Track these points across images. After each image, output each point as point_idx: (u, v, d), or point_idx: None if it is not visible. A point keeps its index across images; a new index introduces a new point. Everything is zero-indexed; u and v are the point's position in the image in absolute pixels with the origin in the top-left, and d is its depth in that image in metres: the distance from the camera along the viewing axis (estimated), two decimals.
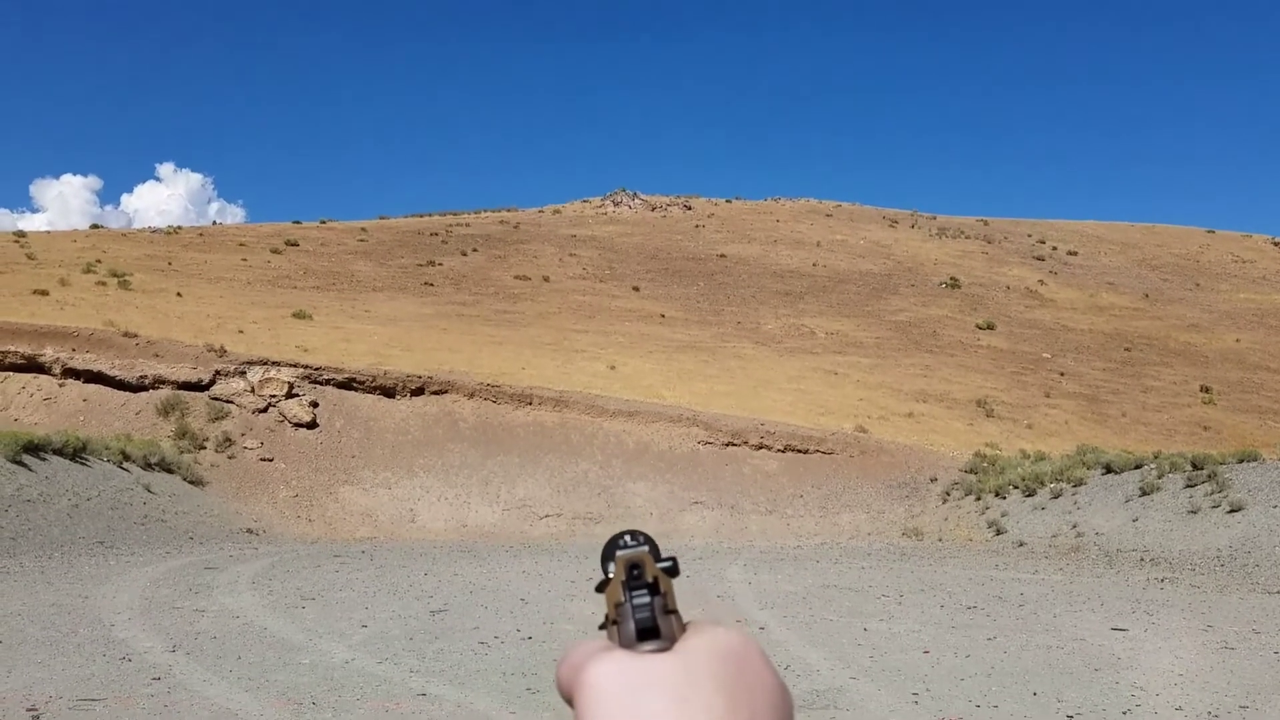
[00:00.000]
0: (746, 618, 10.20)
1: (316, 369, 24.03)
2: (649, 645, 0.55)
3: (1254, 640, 9.17)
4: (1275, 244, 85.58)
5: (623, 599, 0.57)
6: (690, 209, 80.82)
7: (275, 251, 50.39)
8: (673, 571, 0.60)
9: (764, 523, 22.16)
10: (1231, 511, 16.62)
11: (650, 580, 0.58)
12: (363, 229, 62.53)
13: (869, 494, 23.20)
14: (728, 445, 24.61)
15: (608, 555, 0.63)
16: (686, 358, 33.58)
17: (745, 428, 24.96)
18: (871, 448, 24.93)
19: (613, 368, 29.90)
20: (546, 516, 21.76)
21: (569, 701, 0.55)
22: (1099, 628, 9.97)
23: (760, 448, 24.62)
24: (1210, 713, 6.65)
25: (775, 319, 44.02)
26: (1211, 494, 17.56)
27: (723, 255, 59.82)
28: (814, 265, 58.36)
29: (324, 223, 66.22)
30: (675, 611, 0.58)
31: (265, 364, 23.69)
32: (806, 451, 24.62)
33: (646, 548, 0.61)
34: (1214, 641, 9.15)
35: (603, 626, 0.59)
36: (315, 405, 23.15)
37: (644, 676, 0.52)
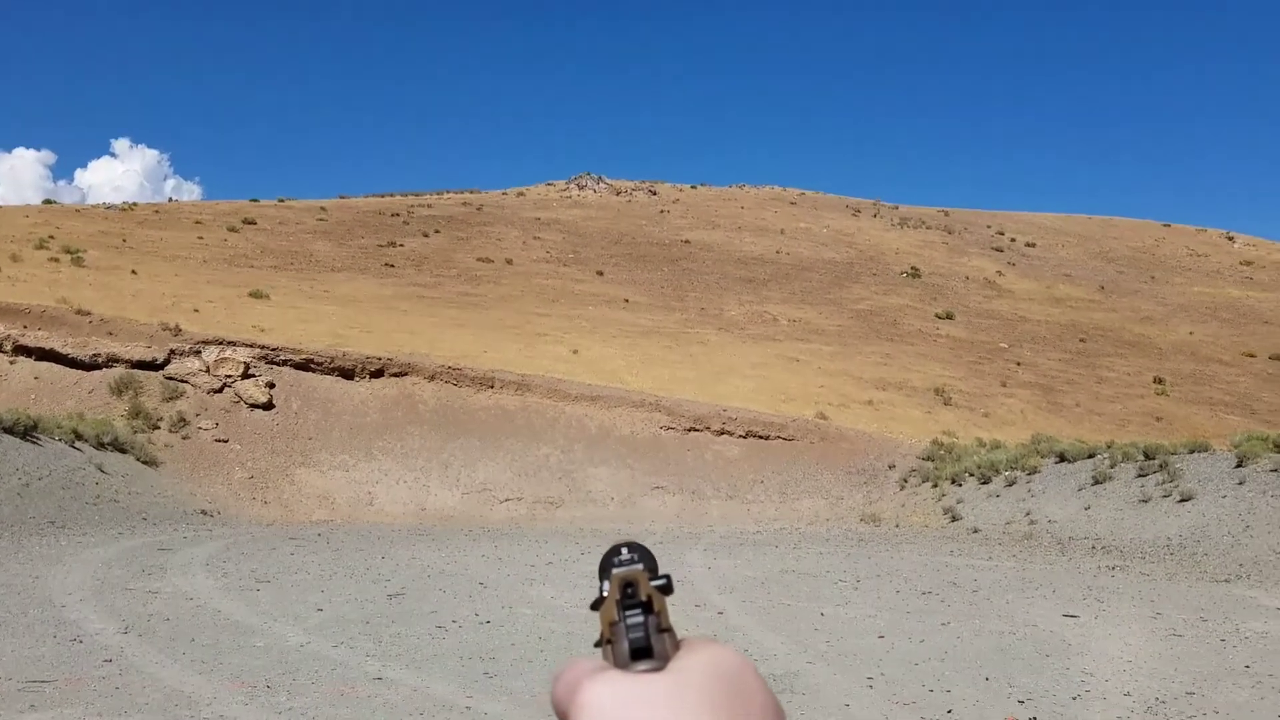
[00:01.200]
0: (706, 602, 10.24)
1: (273, 349, 23.72)
2: (643, 665, 0.55)
3: (1201, 628, 9.37)
4: (1229, 238, 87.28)
5: (617, 618, 0.57)
6: (655, 194, 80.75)
7: (232, 230, 49.63)
8: (666, 589, 0.60)
9: (725, 508, 22.27)
10: (1182, 501, 16.95)
11: (644, 599, 0.58)
12: (322, 208, 61.77)
13: (828, 480, 23.39)
14: (690, 431, 24.68)
15: (604, 571, 0.63)
16: (650, 343, 33.60)
17: (707, 413, 25.04)
18: (831, 434, 25.12)
19: (576, 352, 29.83)
20: (507, 500, 21.70)
21: (562, 718, 0.55)
22: (1050, 614, 10.13)
23: (722, 433, 24.72)
24: (1158, 698, 6.78)
25: (739, 306, 44.15)
26: (1162, 483, 17.89)
27: (687, 241, 59.86)
28: (778, 253, 58.59)
29: (282, 201, 65.33)
30: (669, 629, 0.58)
31: (221, 343, 23.34)
32: (768, 438, 24.75)
33: (641, 565, 0.61)
34: (1162, 629, 9.34)
35: (598, 645, 0.59)
36: (272, 386, 22.87)
37: (638, 697, 0.52)
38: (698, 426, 24.75)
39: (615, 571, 0.60)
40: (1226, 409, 35.82)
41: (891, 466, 23.78)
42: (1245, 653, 8.18)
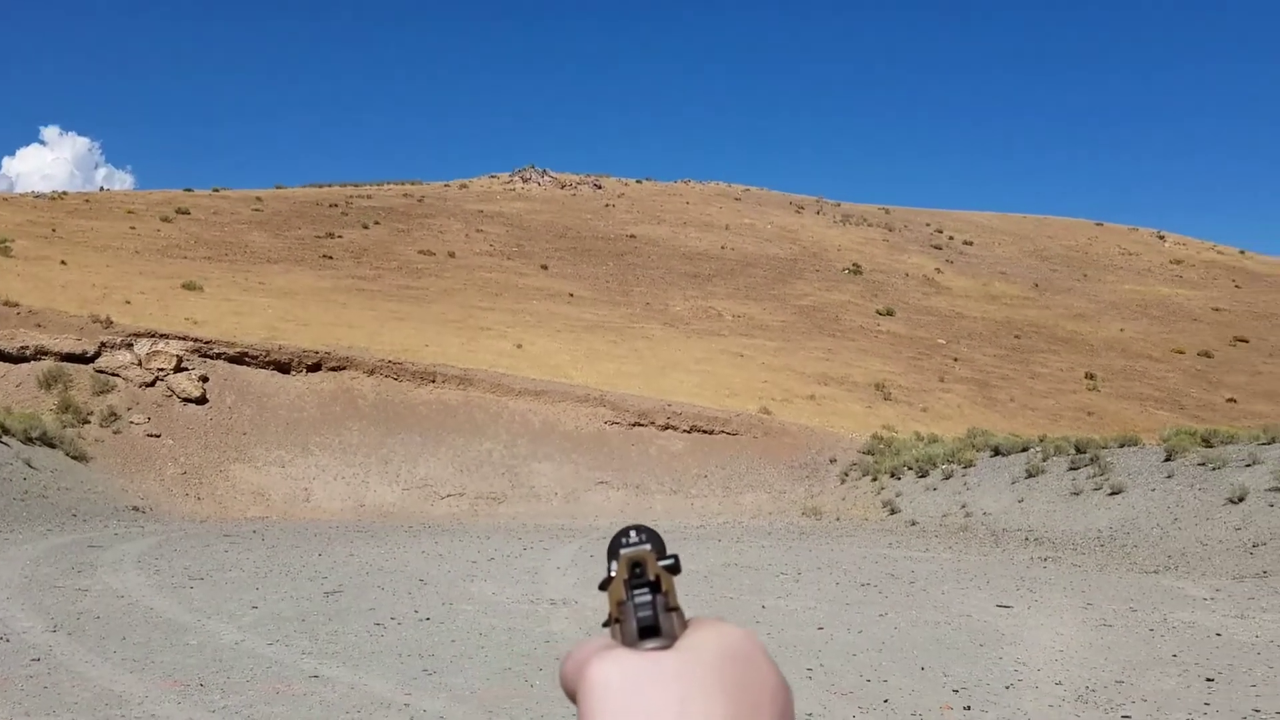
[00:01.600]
0: None
1: (207, 342, 23.21)
2: (651, 643, 0.55)
3: (1130, 618, 9.61)
4: (1160, 237, 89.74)
5: (625, 598, 0.58)
6: (600, 188, 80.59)
7: (165, 220, 48.47)
8: (675, 569, 0.60)
9: (669, 502, 22.33)
10: (1112, 494, 17.39)
11: (652, 578, 0.58)
12: (258, 198, 60.60)
13: (771, 474, 23.57)
14: (634, 425, 24.69)
15: (612, 552, 0.64)
16: (595, 338, 33.54)
17: (652, 408, 25.07)
18: (774, 429, 25.32)
19: (520, 346, 29.66)
20: (448, 496, 21.51)
21: (572, 698, 0.55)
22: (985, 605, 10.32)
23: (666, 428, 24.77)
24: (1088, 687, 6.94)
25: (684, 301, 44.28)
26: (1093, 476, 18.34)
27: (632, 235, 59.86)
28: (722, 248, 58.87)
29: (217, 191, 63.99)
30: (677, 609, 0.58)
31: (153, 336, 22.78)
32: (712, 432, 24.87)
33: (649, 545, 0.61)
34: (1093, 619, 9.56)
35: (606, 624, 0.59)
36: (205, 380, 22.38)
37: (646, 675, 0.52)
38: (642, 421, 24.78)
39: (623, 552, 0.60)
40: (1156, 404, 36.85)
41: (833, 460, 24.05)
42: (1173, 642, 8.41)
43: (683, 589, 8.28)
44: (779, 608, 9.95)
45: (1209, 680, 7.04)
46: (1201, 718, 6.11)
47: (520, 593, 10.51)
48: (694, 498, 22.64)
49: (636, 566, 0.59)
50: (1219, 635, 8.65)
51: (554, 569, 12.54)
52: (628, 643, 0.56)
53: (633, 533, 0.65)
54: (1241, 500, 14.76)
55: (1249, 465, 15.87)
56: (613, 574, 0.59)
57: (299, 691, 6.51)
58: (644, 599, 0.57)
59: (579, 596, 10.27)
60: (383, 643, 8.01)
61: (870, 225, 76.05)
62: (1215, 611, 9.82)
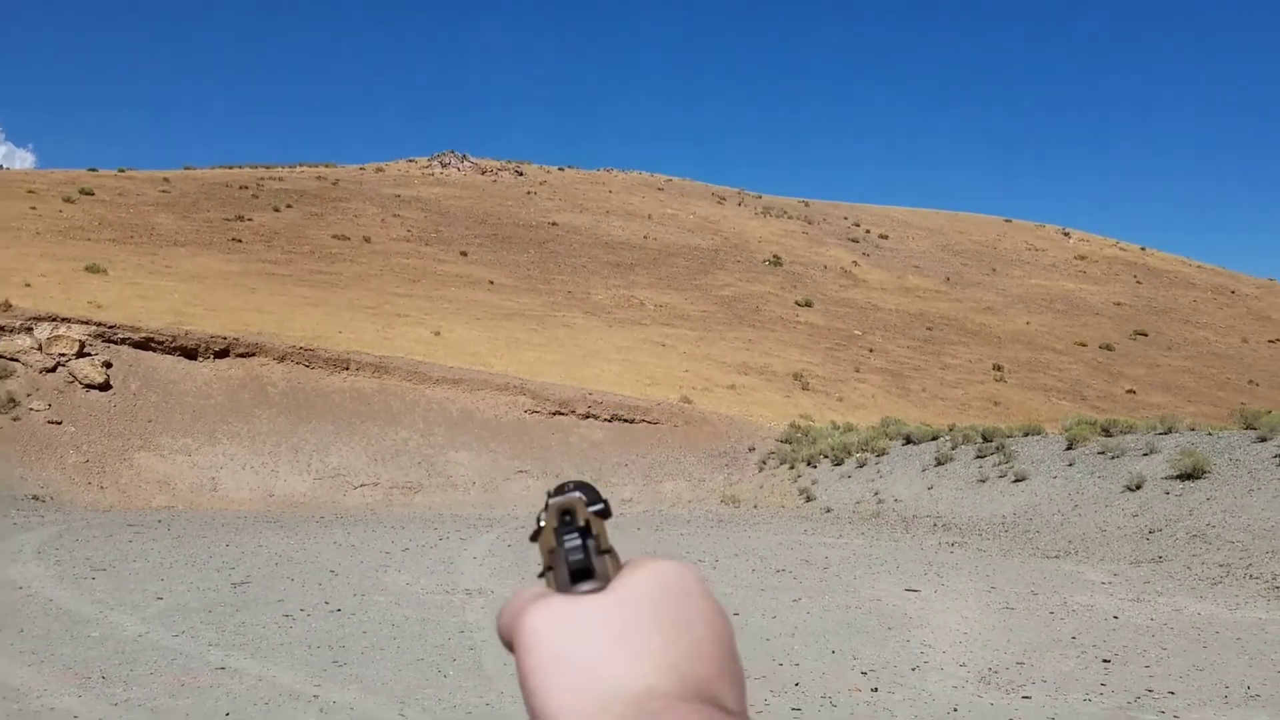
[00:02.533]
0: None
1: (111, 327, 22.38)
2: (585, 586, 0.55)
3: (1032, 601, 9.93)
4: (1065, 234, 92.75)
5: (555, 545, 0.57)
6: (522, 175, 79.98)
7: (68, 200, 46.58)
8: (605, 513, 0.59)
9: None
10: (1016, 481, 17.95)
11: (582, 524, 0.57)
12: (165, 179, 58.64)
13: (691, 463, 23.74)
14: (555, 414, 24.60)
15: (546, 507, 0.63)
16: (515, 325, 33.30)
17: (573, 397, 25.01)
18: (695, 418, 25.50)
19: (437, 334, 29.29)
20: (362, 486, 21.15)
21: (510, 649, 0.54)
22: (894, 589, 10.56)
23: (587, 417, 24.74)
24: (990, 668, 7.15)
25: (605, 290, 44.23)
26: (999, 465, 18.90)
27: (554, 223, 59.56)
28: (645, 238, 58.96)
29: (122, 171, 61.73)
30: (610, 551, 0.57)
31: (54, 320, 21.87)
32: (633, 421, 24.92)
33: (579, 493, 0.60)
34: (996, 602, 9.86)
35: (541, 575, 0.58)
36: (109, 365, 21.59)
37: (580, 618, 0.51)
38: (563, 410, 24.70)
39: (551, 501, 0.59)
40: (1059, 395, 38.14)
41: (751, 449, 24.33)
42: (1072, 624, 8.72)
43: None
44: None
45: (1106, 661, 7.31)
46: (1098, 697, 6.34)
47: (435, 583, 10.39)
48: (614, 486, 22.67)
49: (566, 514, 0.58)
50: (1116, 618, 8.99)
51: (470, 559, 12.44)
52: (561, 589, 0.55)
53: (568, 486, 0.64)
54: (1139, 488, 15.37)
55: (1146, 454, 16.53)
56: (542, 524, 0.58)
57: (205, 683, 6.33)
58: (574, 544, 0.56)
59: (495, 586, 10.20)
60: (292, 634, 7.83)
61: (790, 218, 77.02)
62: (1113, 595, 10.21)
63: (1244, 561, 11.28)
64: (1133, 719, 5.86)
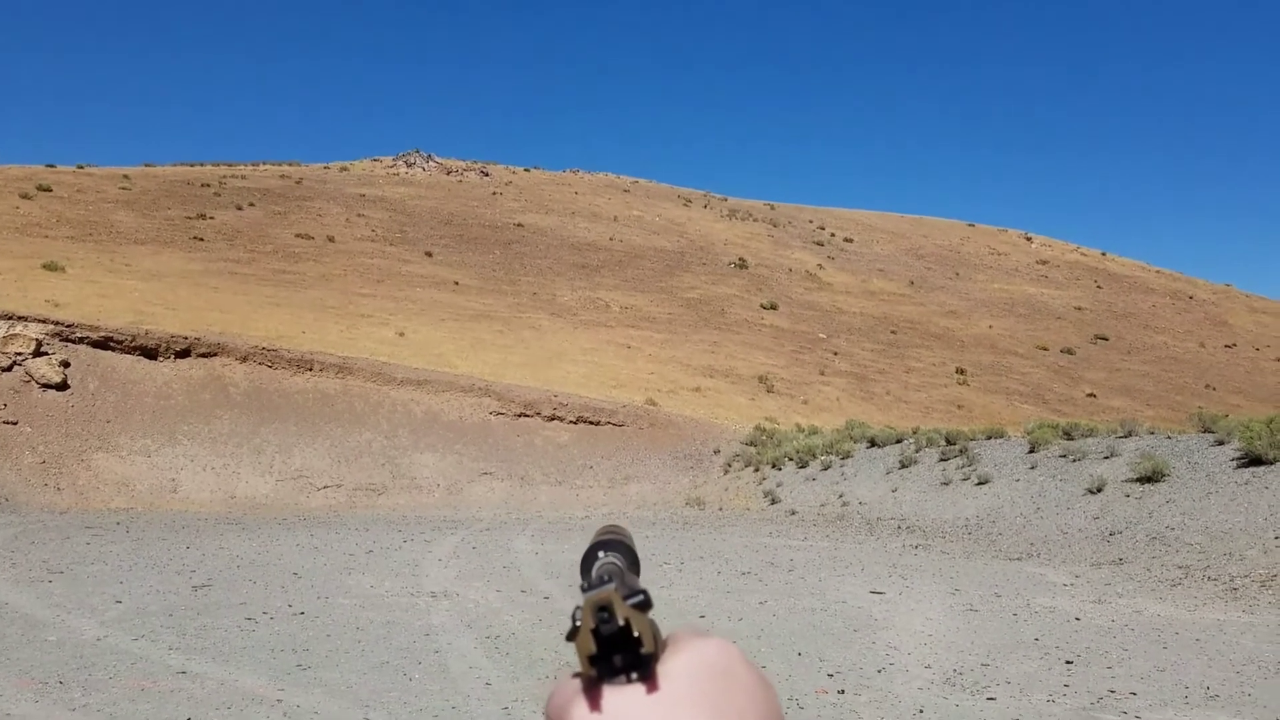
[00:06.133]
0: (532, 588, 10.18)
1: (69, 326, 21.97)
2: (626, 677, 0.52)
3: (995, 603, 10.02)
4: (1027, 239, 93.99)
5: (594, 649, 0.52)
6: (488, 175, 79.64)
7: (25, 197, 45.69)
8: (645, 605, 0.55)
9: (554, 493, 22.25)
10: (979, 484, 18.13)
11: (621, 623, 0.52)
12: (125, 176, 57.74)
13: (656, 465, 23.74)
14: (520, 416, 24.50)
15: (585, 568, 0.59)
16: (480, 327, 33.13)
17: (538, 399, 24.92)
18: (660, 420, 25.50)
19: (402, 335, 29.07)
20: (325, 488, 20.93)
21: None
22: (859, 591, 10.61)
23: (553, 419, 24.66)
24: (955, 670, 7.20)
25: (571, 291, 44.14)
26: (962, 467, 19.09)
27: (520, 224, 59.36)
28: (611, 239, 58.93)
29: (81, 168, 60.69)
30: (652, 654, 0.53)
31: (10, 319, 21.43)
32: (598, 423, 24.88)
33: (613, 584, 0.55)
34: (960, 604, 9.94)
35: (570, 639, 0.54)
36: (66, 365, 21.20)
37: (628, 715, 0.51)
38: (528, 412, 24.61)
39: (586, 597, 0.54)
40: (1021, 398, 38.61)
41: (716, 451, 24.38)
42: (1034, 626, 8.81)
43: (571, 579, 8.24)
44: (662, 597, 10.02)
45: (1068, 662, 7.39)
46: (1061, 698, 6.41)
47: (399, 586, 10.30)
48: (579, 489, 22.62)
49: (603, 611, 0.53)
50: (1078, 619, 9.10)
51: (435, 561, 12.34)
52: (602, 678, 0.52)
53: (601, 552, 0.60)
54: (1100, 491, 15.59)
55: (1107, 457, 16.75)
56: (578, 624, 0.53)
57: (166, 688, 6.22)
58: (621, 663, 0.52)
59: (460, 589, 10.12)
60: (254, 638, 7.72)
61: (756, 220, 77.33)
62: (1075, 597, 10.34)
63: (1202, 563, 11.47)
64: (1095, 719, 5.92)
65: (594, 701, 0.52)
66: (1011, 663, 7.40)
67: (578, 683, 0.54)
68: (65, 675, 6.44)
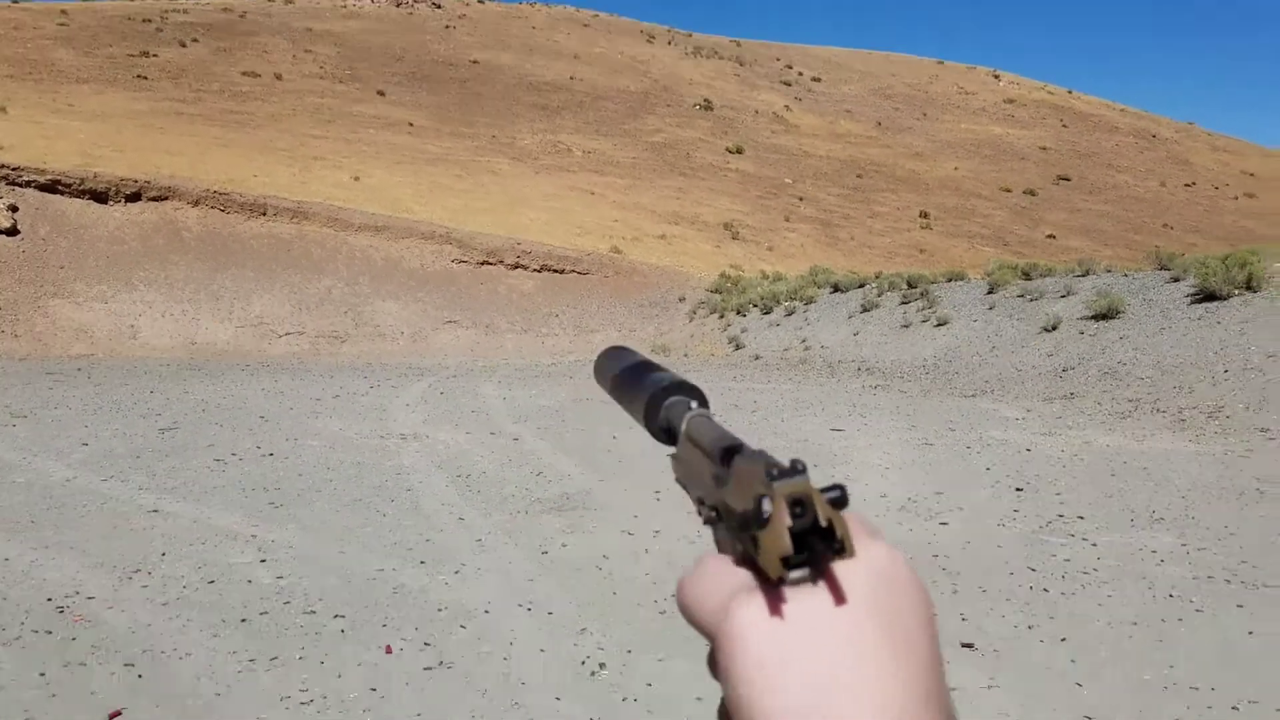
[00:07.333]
0: (500, 430, 10.32)
1: (14, 169, 21.19)
2: (797, 574, 0.44)
3: (949, 437, 10.34)
4: (995, 76, 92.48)
5: (789, 548, 0.43)
6: (440, 7, 76.23)
7: None
8: (841, 501, 0.45)
9: (520, 341, 22.32)
10: (939, 325, 18.42)
11: (825, 524, 0.43)
12: (63, 11, 54.59)
13: (621, 313, 23.81)
14: (483, 264, 24.29)
15: (725, 457, 0.50)
16: (438, 171, 32.40)
17: (501, 247, 24.67)
18: (625, 268, 25.42)
19: (357, 178, 28.37)
20: (287, 335, 20.81)
21: (701, 630, 0.47)
22: (820, 429, 10.89)
23: (516, 267, 24.49)
24: (910, 499, 7.48)
25: (531, 135, 43.09)
26: (922, 310, 19.34)
27: (475, 61, 57.29)
28: (571, 79, 57.17)
29: (16, 2, 57.21)
30: (843, 546, 0.44)
31: None
32: (562, 272, 24.75)
33: (807, 475, 0.44)
34: (916, 439, 10.24)
35: (707, 523, 0.48)
36: (15, 210, 20.55)
37: (804, 628, 0.45)
38: (491, 260, 24.39)
39: (778, 486, 0.43)
40: (983, 241, 38.86)
41: (681, 299, 24.45)
42: (986, 458, 9.12)
43: (540, 423, 8.32)
44: (628, 439, 10.21)
45: (1018, 490, 7.70)
46: (1011, 523, 6.69)
47: (368, 428, 10.39)
48: (545, 336, 22.70)
49: (798, 505, 0.43)
50: (1029, 451, 9.43)
51: (402, 405, 12.43)
52: (771, 576, 0.44)
53: (674, 396, 0.51)
54: (1055, 329, 15.91)
55: (1063, 296, 17.03)
56: (767, 513, 0.43)
57: (139, 526, 6.31)
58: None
59: (429, 432, 10.24)
60: (225, 478, 7.81)
61: (722, 58, 75.19)
62: (1026, 430, 10.68)
63: (1152, 396, 11.84)
64: (1044, 541, 6.21)
65: (774, 606, 0.45)
66: (964, 491, 7.69)
67: (743, 576, 0.47)
68: (36, 515, 6.50)
